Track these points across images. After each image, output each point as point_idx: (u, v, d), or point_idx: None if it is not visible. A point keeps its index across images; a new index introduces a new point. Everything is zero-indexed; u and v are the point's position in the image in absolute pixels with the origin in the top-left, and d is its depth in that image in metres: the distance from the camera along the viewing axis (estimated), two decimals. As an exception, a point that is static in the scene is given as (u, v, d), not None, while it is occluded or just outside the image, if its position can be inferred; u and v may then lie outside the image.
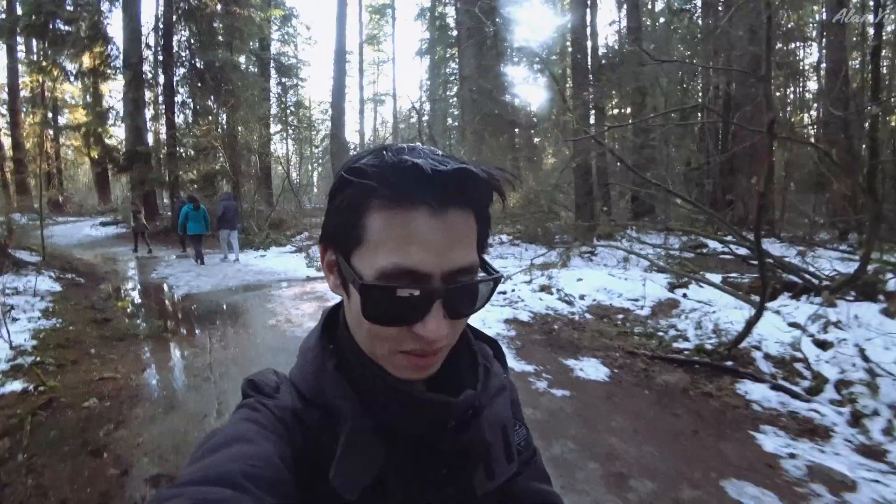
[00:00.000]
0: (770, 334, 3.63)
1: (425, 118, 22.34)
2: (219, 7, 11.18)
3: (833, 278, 4.85)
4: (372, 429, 0.41)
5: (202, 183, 10.98)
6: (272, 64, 19.49)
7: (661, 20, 16.00)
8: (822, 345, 3.51)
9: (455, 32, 17.00)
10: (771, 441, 2.31)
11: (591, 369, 3.27)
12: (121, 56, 11.91)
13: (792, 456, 2.17)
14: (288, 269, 7.07)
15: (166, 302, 5.09)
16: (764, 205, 4.15)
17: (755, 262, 5.62)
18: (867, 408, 2.74)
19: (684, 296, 5.33)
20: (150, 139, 12.29)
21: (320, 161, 32.26)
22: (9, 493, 1.74)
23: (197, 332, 3.83)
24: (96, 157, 12.00)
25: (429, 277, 0.38)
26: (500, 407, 0.50)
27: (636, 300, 5.15)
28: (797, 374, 3.21)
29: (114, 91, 13.99)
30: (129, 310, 4.56)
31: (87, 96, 15.30)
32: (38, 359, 2.81)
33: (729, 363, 3.25)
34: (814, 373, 3.15)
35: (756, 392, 2.90)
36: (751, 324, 3.33)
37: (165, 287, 5.82)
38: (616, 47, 16.90)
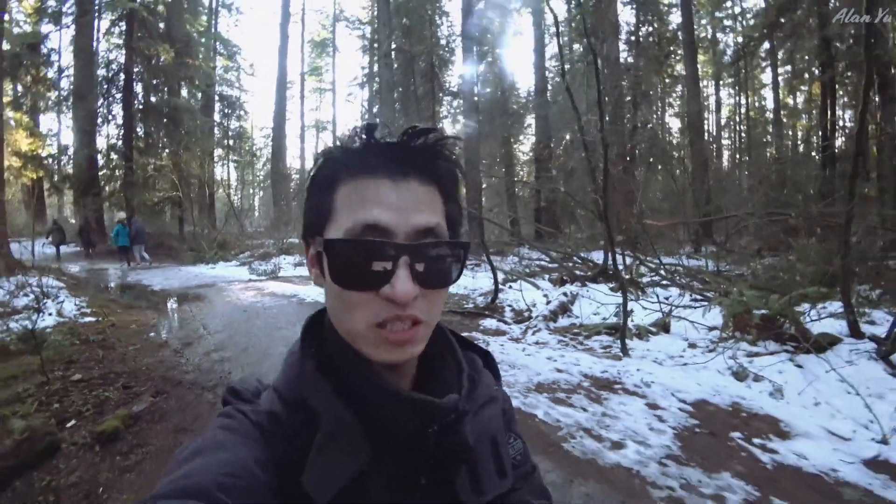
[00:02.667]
0: (528, 299, 6.56)
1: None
2: (173, 57, 13.52)
3: (594, 269, 7.99)
4: (351, 430, 0.41)
5: (155, 208, 13.05)
6: (216, 98, 21.70)
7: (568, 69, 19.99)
8: (549, 302, 6.48)
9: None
10: (467, 335, 5.11)
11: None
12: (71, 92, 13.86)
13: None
14: (234, 275, 9.45)
15: (150, 292, 7.37)
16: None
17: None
18: (535, 326, 5.67)
19: (509, 287, 8.31)
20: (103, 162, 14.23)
21: (262, 185, 34.20)
22: (117, 347, 4.20)
23: (179, 305, 6.25)
24: (57, 184, 13.69)
25: (391, 233, 0.41)
26: (488, 418, 0.50)
27: (475, 290, 8.04)
28: (521, 315, 6.12)
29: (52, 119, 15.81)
30: (126, 296, 6.88)
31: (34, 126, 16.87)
32: (93, 309, 5.18)
33: (486, 312, 6.12)
34: (529, 314, 6.07)
35: (488, 322, 5.75)
36: (495, 293, 6.28)
37: (144, 285, 8.06)
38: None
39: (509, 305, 6.37)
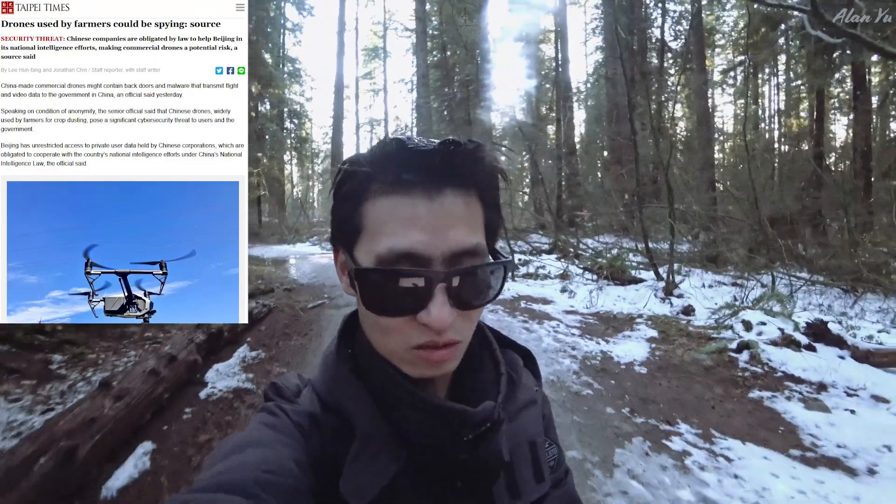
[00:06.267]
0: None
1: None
2: (260, 89, 18.58)
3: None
4: (386, 436, 0.43)
5: (250, 207, 18.25)
6: (285, 110, 27.07)
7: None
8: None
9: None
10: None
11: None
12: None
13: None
14: (309, 251, 14.31)
15: (264, 259, 12.22)
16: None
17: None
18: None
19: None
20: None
21: (320, 178, 39.84)
22: (267, 276, 8.85)
23: (284, 264, 10.98)
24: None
25: (428, 261, 0.40)
26: (527, 421, 0.52)
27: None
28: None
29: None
30: (253, 261, 11.76)
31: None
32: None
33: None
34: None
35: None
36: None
37: (255, 255, 12.99)
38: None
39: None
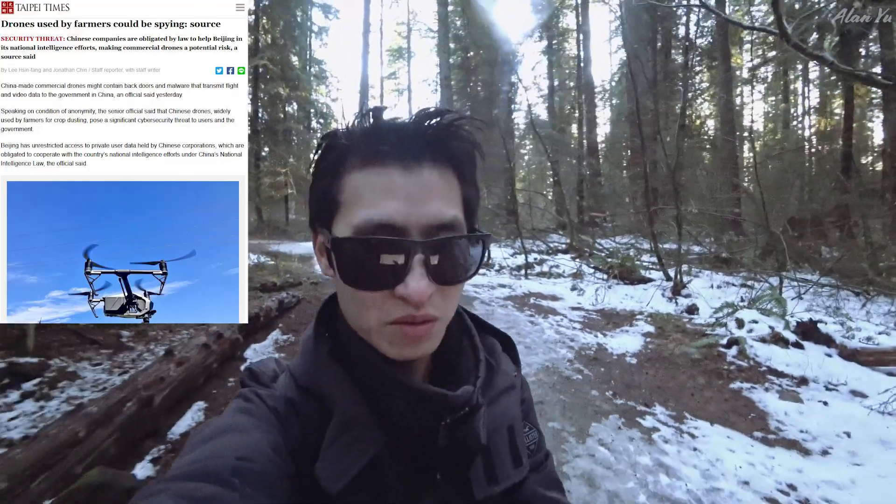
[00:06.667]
0: (519, 261, 11.08)
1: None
2: (288, 92, 19.40)
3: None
4: (364, 419, 0.43)
5: (276, 202, 19.18)
6: (311, 111, 28.03)
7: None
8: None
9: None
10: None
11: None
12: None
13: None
14: (333, 248, 15.02)
15: (291, 255, 12.94)
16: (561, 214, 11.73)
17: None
18: (502, 272, 10.22)
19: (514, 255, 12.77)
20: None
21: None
22: (294, 270, 9.51)
23: (310, 259, 11.66)
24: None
25: (405, 231, 0.41)
26: (506, 406, 0.52)
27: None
28: (504, 268, 10.63)
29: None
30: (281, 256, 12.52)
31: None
32: (272, 259, 10.65)
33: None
34: (510, 268, 10.59)
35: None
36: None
37: (284, 251, 13.74)
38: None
39: (506, 265, 10.93)
